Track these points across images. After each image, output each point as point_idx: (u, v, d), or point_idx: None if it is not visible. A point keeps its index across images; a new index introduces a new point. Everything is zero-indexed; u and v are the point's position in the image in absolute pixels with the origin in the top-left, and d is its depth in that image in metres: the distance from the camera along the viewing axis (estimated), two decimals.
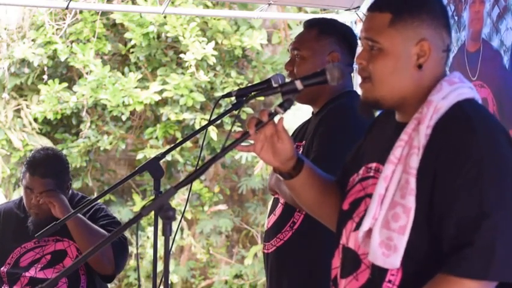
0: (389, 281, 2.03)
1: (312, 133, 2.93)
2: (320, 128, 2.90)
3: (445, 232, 1.96)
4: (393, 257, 1.99)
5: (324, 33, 3.02)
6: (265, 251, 3.04)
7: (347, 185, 2.24)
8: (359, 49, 2.22)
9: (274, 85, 2.78)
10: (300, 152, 2.93)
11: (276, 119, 2.13)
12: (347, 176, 2.26)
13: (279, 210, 3.01)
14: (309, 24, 3.07)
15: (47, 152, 3.78)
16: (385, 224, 2.01)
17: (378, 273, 2.04)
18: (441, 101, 2.05)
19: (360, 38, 2.17)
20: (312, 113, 3.06)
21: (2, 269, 3.73)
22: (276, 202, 3.05)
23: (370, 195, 2.10)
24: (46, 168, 3.70)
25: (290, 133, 2.73)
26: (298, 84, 2.14)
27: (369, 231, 2.03)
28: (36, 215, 3.71)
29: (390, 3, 2.12)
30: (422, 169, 2.00)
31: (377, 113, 2.32)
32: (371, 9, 2.15)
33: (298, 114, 3.23)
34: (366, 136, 2.30)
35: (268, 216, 3.08)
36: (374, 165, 2.15)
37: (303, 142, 2.98)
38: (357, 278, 2.10)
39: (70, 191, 3.84)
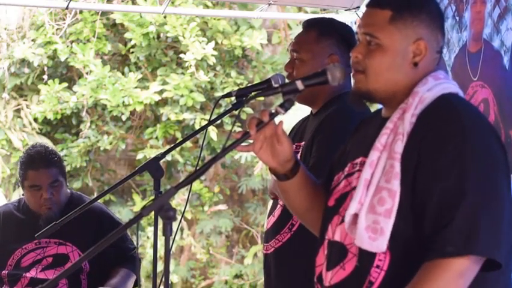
0: (377, 266, 2.04)
1: (311, 135, 2.91)
2: (319, 133, 2.88)
3: (427, 213, 1.98)
4: (380, 240, 2.01)
5: (323, 35, 2.98)
6: (265, 252, 3.04)
7: (332, 184, 2.26)
8: None
9: (275, 85, 2.77)
10: (299, 152, 2.93)
11: (277, 119, 2.13)
12: (332, 176, 2.29)
13: (278, 211, 3.00)
14: (309, 25, 3.03)
15: (39, 146, 3.77)
16: (371, 208, 2.03)
17: (366, 259, 2.05)
18: (427, 92, 2.09)
19: (357, 33, 2.19)
20: (311, 112, 3.05)
21: (3, 271, 3.71)
22: (275, 204, 3.05)
23: (355, 188, 2.12)
24: (47, 158, 3.68)
25: (288, 132, 2.72)
26: (299, 85, 2.14)
27: (355, 217, 2.05)
28: (49, 209, 3.67)
29: (390, 0, 2.14)
30: (406, 154, 2.03)
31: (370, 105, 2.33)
32: (371, 5, 2.17)
33: (298, 114, 3.21)
34: (351, 137, 2.32)
35: (268, 217, 3.07)
36: (359, 160, 2.18)
37: (302, 142, 2.97)
38: (344, 268, 2.11)
39: (69, 191, 3.83)
